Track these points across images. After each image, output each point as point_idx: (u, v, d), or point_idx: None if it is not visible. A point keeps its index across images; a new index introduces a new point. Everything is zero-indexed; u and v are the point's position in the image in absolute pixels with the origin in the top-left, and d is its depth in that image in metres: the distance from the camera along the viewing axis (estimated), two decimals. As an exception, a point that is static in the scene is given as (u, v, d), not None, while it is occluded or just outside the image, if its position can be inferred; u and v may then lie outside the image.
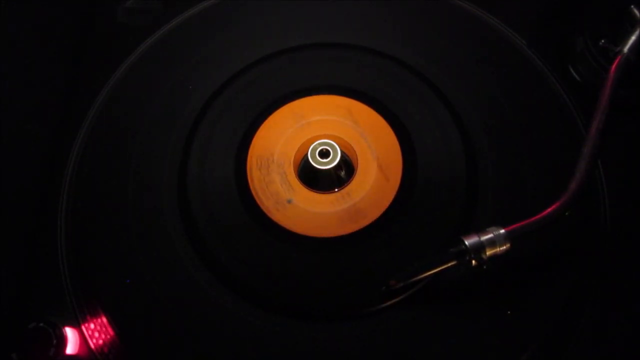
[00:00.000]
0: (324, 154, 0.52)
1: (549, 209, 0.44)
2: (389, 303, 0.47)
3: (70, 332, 0.49)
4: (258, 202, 0.51)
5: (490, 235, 0.43)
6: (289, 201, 0.51)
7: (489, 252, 0.43)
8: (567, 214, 0.44)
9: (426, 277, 0.44)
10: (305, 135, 0.54)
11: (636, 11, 0.52)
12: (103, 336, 0.49)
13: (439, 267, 0.44)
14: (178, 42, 0.61)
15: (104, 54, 0.61)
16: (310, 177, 0.53)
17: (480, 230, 0.44)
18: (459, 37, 0.59)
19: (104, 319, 0.48)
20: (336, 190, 0.52)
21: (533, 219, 0.44)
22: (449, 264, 0.44)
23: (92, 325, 0.49)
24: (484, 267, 0.43)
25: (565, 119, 0.55)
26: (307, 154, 0.52)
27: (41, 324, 0.48)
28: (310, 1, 0.61)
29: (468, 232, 0.44)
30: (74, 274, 0.51)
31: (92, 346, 0.49)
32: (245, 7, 0.62)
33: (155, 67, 0.59)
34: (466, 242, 0.43)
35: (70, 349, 0.48)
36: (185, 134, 0.55)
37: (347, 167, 0.54)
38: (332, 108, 0.55)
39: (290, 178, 0.52)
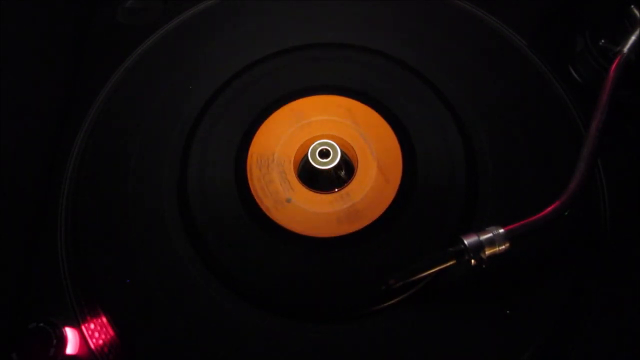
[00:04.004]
0: (324, 154, 0.52)
1: (549, 209, 0.44)
2: (388, 303, 0.47)
3: (70, 332, 0.49)
4: (257, 200, 0.51)
5: (489, 235, 0.43)
6: (288, 200, 0.51)
7: (488, 252, 0.43)
8: (566, 214, 0.44)
9: (426, 276, 0.44)
10: (305, 135, 0.54)
11: (636, 11, 0.52)
12: (103, 336, 0.49)
13: (439, 266, 0.44)
14: (178, 42, 0.61)
15: (104, 54, 0.61)
16: (310, 177, 0.53)
17: (480, 230, 0.44)
18: (459, 37, 0.59)
19: (104, 319, 0.48)
20: (336, 190, 0.52)
21: (533, 218, 0.44)
22: (449, 264, 0.44)
23: (92, 325, 0.49)
24: (484, 266, 0.43)
25: (565, 119, 0.55)
26: (307, 154, 0.52)
27: (41, 324, 0.48)
28: (311, 1, 0.62)
29: (467, 232, 0.44)
30: (74, 274, 0.51)
31: (92, 346, 0.49)
32: (245, 7, 0.62)
33: (155, 67, 0.59)
34: (465, 242, 0.43)
35: (70, 349, 0.48)
36: (186, 133, 0.55)
37: (347, 167, 0.54)
38: (333, 108, 0.55)
39: (290, 177, 0.52)
